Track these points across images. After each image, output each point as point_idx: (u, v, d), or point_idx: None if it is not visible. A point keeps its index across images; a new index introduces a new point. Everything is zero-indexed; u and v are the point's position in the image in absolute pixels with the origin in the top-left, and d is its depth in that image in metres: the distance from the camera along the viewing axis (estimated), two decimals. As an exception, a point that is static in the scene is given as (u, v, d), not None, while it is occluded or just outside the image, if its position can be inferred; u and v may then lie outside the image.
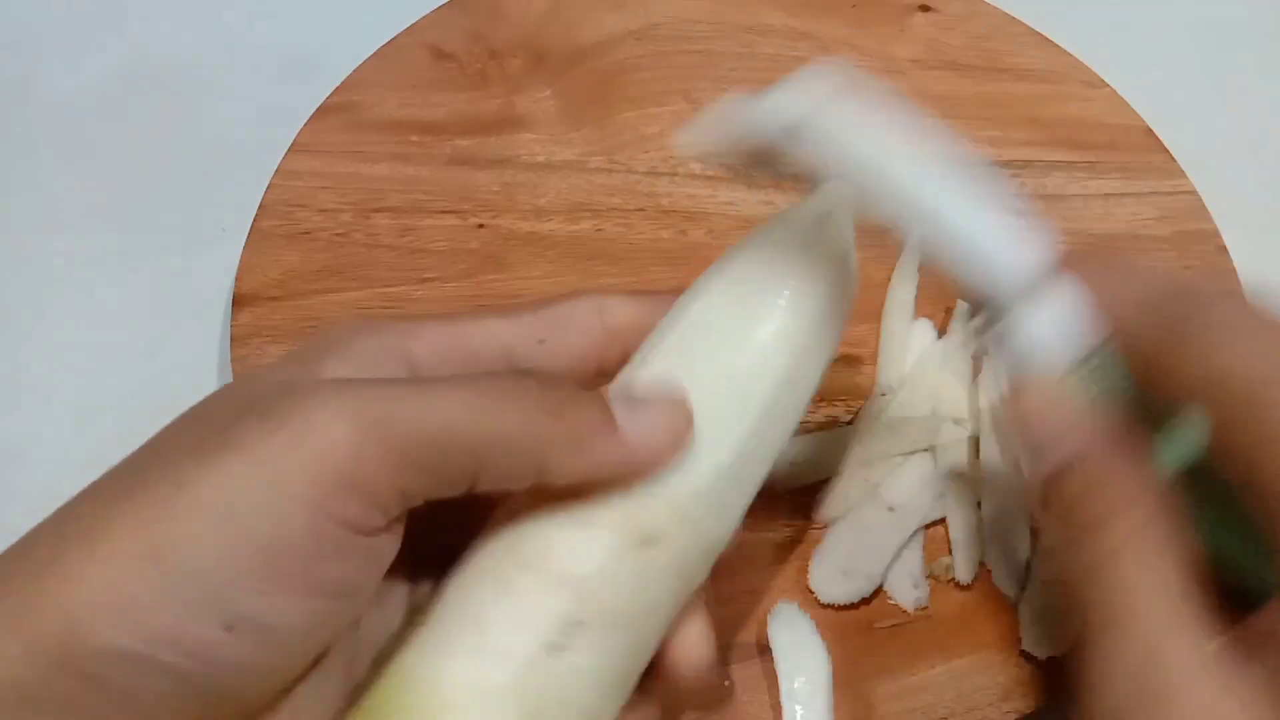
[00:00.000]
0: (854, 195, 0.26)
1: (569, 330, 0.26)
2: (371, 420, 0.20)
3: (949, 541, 0.34)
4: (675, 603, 0.24)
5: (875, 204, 0.25)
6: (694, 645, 0.25)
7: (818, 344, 0.26)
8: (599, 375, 0.26)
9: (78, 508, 0.20)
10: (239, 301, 0.38)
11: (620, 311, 0.26)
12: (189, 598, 0.19)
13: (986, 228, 0.25)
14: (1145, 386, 0.24)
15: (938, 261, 0.25)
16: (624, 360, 0.26)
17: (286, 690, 0.21)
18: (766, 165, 0.27)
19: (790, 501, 0.35)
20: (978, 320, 0.26)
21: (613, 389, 0.24)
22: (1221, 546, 0.24)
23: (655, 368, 0.25)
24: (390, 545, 0.22)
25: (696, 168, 0.42)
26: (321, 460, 0.20)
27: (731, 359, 0.25)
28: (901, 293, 0.39)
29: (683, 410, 0.24)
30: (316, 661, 0.22)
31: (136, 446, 0.22)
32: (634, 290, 0.27)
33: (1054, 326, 0.24)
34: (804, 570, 0.33)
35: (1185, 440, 0.23)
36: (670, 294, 0.27)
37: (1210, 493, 0.23)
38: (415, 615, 0.23)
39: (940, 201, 0.25)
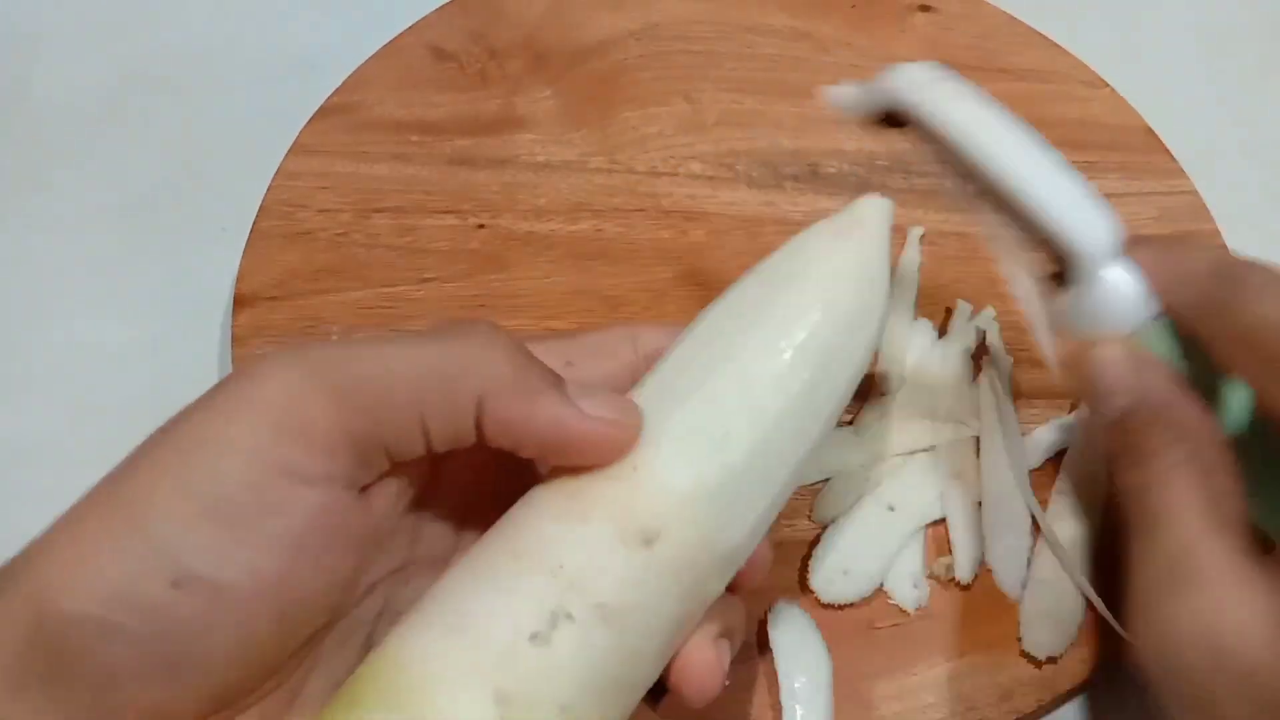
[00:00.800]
0: (889, 207, 0.27)
1: (599, 355, 0.26)
2: (311, 367, 0.21)
3: (949, 541, 0.34)
4: (681, 610, 0.23)
5: (971, 166, 0.29)
6: (697, 666, 0.24)
7: (845, 356, 0.26)
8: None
9: (86, 494, 0.21)
10: (239, 301, 0.38)
11: (653, 339, 0.26)
12: (139, 555, 0.19)
13: (1074, 194, 0.29)
14: (1194, 358, 0.27)
15: (1023, 223, 0.28)
16: None
17: (269, 670, 0.21)
18: (896, 124, 0.30)
19: (790, 501, 0.35)
20: (1054, 278, 0.29)
21: (570, 376, 0.24)
22: (1266, 508, 0.27)
23: (663, 369, 0.25)
24: (346, 507, 0.21)
25: (697, 168, 0.42)
26: (261, 409, 0.20)
27: (749, 364, 0.24)
28: (902, 292, 0.39)
29: (633, 411, 0.23)
30: (308, 644, 0.22)
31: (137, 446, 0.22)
32: (668, 324, 0.27)
33: (1122, 294, 0.28)
34: (804, 570, 0.33)
35: (1232, 406, 0.28)
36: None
37: (1255, 459, 0.27)
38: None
39: (1037, 165, 0.29)
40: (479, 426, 0.22)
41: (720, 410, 0.24)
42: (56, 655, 0.19)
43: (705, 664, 0.24)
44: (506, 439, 0.22)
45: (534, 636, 0.21)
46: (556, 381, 0.23)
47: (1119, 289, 0.28)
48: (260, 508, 0.20)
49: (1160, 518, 0.26)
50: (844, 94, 0.31)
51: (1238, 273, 0.26)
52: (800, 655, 0.31)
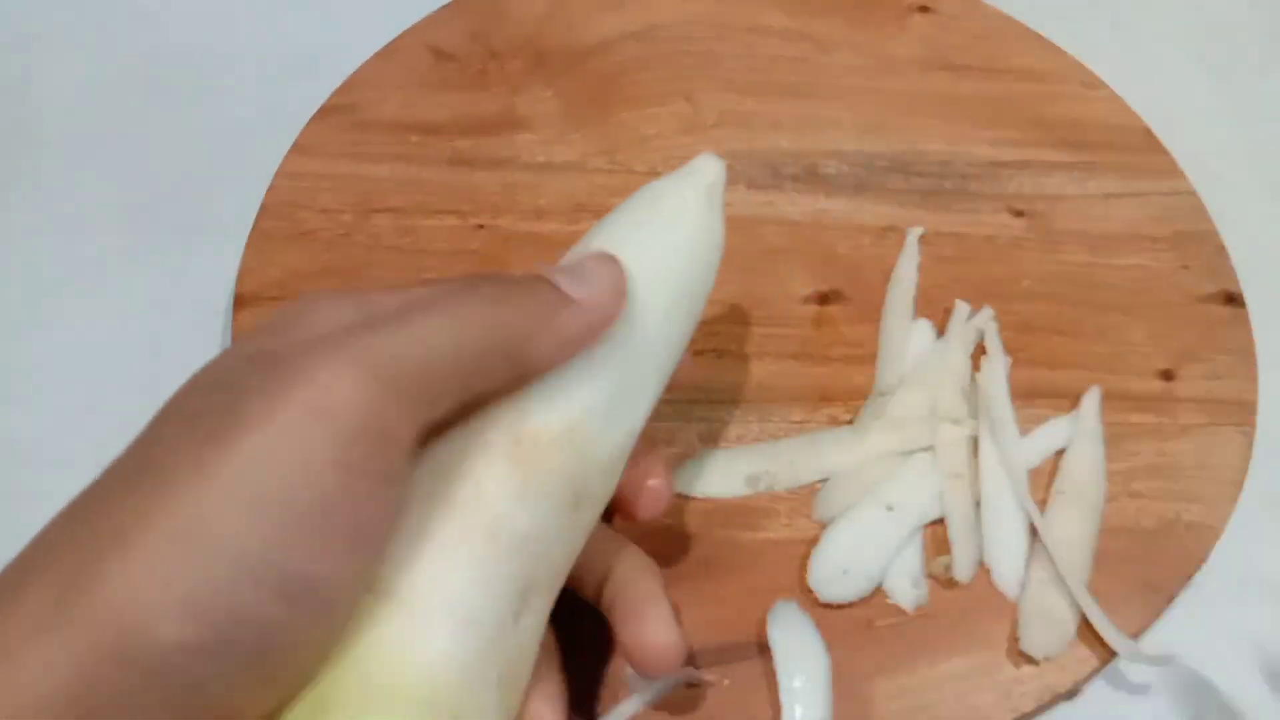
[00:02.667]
0: (721, 167, 0.30)
1: None
2: (371, 368, 0.21)
3: (948, 541, 0.34)
4: (583, 543, 0.26)
5: None
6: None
7: (696, 280, 0.28)
8: None
9: (97, 506, 0.20)
10: (240, 302, 0.38)
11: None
12: (243, 577, 0.19)
13: None
14: None
15: None
16: None
17: None
18: None
19: (790, 501, 0.35)
20: None
21: (548, 271, 0.25)
22: None
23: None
24: (409, 480, 0.22)
25: (696, 168, 0.42)
26: (337, 418, 0.20)
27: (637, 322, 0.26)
28: (901, 293, 0.39)
29: (614, 261, 0.26)
30: None
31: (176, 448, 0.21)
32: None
33: None
34: (804, 570, 0.33)
35: None
36: None
37: None
38: (373, 584, 0.23)
39: None
40: (518, 377, 0.24)
41: (626, 381, 0.26)
42: (151, 678, 0.18)
43: (673, 645, 0.26)
44: (548, 366, 0.24)
45: (516, 611, 0.23)
46: (559, 296, 0.24)
47: None
48: (355, 508, 0.20)
49: None
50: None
51: None
52: (799, 654, 0.31)
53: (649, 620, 0.27)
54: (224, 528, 0.19)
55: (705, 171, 0.29)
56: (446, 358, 0.22)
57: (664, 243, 0.28)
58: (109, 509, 0.20)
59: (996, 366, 0.37)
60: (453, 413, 0.23)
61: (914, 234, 0.40)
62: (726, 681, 0.31)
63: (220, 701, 0.19)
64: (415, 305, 0.23)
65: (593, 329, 0.25)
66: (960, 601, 0.33)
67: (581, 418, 0.25)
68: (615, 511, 0.29)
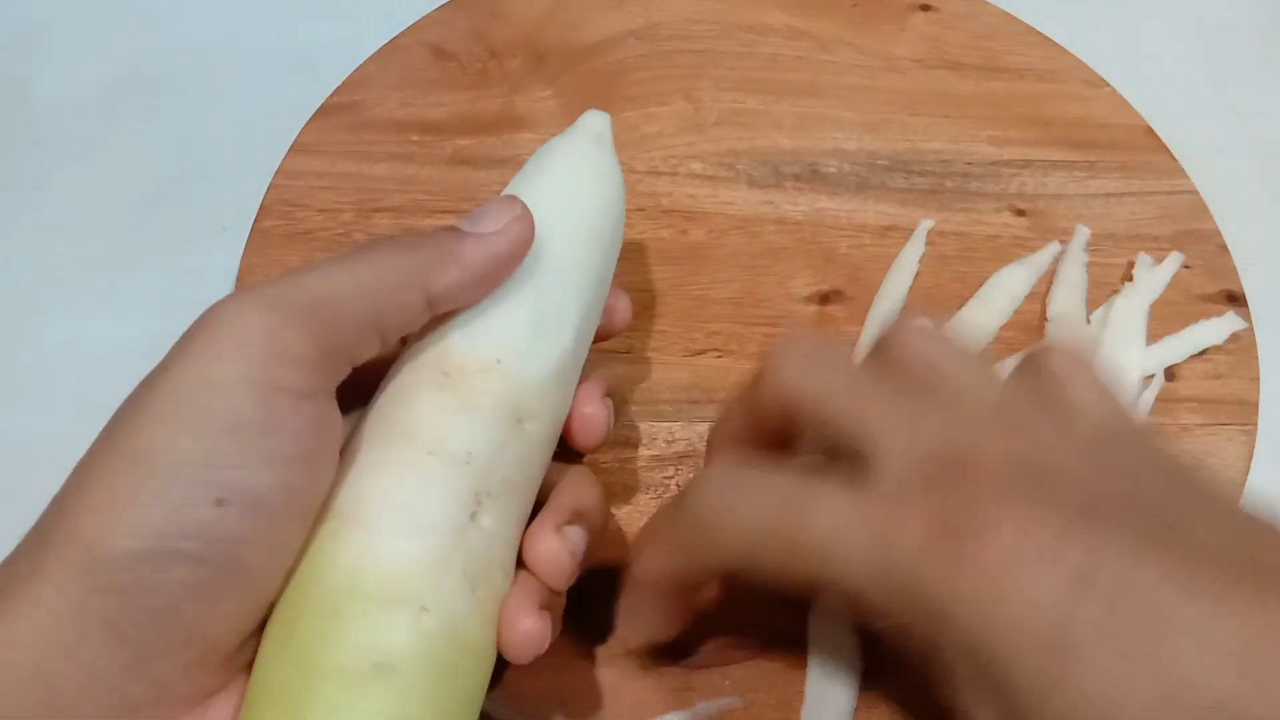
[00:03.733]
0: (607, 119, 0.31)
1: None
2: (270, 300, 0.23)
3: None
4: (545, 463, 0.28)
5: None
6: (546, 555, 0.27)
7: (605, 214, 0.30)
8: None
9: (75, 471, 0.23)
10: (239, 301, 0.38)
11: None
12: (179, 488, 0.21)
13: None
14: None
15: None
16: None
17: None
18: None
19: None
20: None
21: (453, 221, 0.27)
22: None
23: None
24: (332, 413, 0.24)
25: (696, 167, 0.42)
26: (245, 344, 0.23)
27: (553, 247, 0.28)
28: (898, 281, 0.39)
29: (511, 197, 0.27)
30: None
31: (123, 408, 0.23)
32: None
33: None
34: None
35: None
36: None
37: None
38: (326, 515, 0.24)
39: None
40: (429, 308, 0.26)
41: (549, 307, 0.28)
42: (118, 596, 0.21)
43: (550, 551, 0.26)
44: (453, 304, 0.26)
45: (471, 515, 0.24)
46: (457, 233, 0.26)
47: None
48: (271, 425, 0.22)
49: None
50: None
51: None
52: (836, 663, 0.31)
53: (537, 523, 0.27)
54: (158, 449, 0.21)
55: (590, 123, 0.31)
56: (348, 290, 0.24)
57: (558, 181, 0.29)
58: (80, 467, 0.23)
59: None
60: (377, 352, 0.25)
61: (924, 226, 0.40)
62: (727, 681, 0.31)
63: (187, 611, 0.21)
64: (327, 259, 0.25)
65: (498, 258, 0.26)
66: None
67: (503, 343, 0.26)
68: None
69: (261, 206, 0.41)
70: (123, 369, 0.40)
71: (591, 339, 0.30)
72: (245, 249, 0.40)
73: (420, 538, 0.24)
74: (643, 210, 0.41)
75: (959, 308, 0.39)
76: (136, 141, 0.46)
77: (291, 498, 0.23)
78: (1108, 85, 0.45)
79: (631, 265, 0.40)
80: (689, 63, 0.45)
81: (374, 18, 0.47)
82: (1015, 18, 0.47)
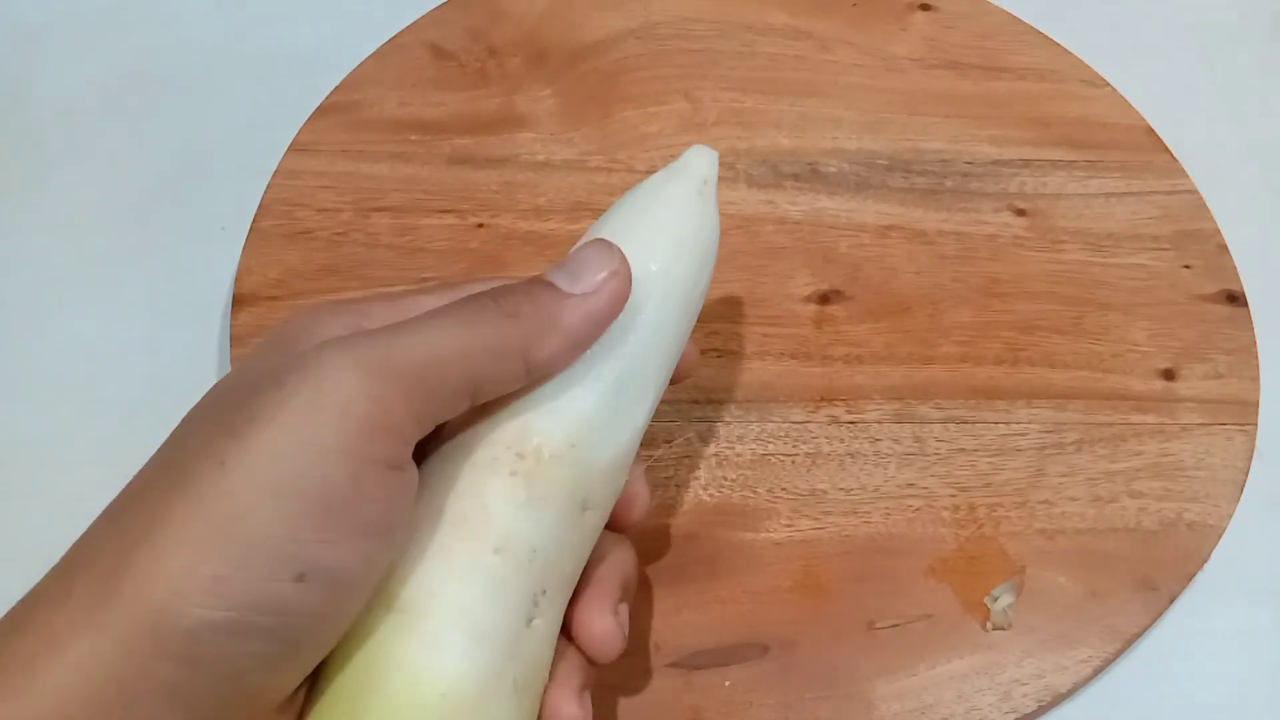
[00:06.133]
0: (714, 159, 0.29)
1: None
2: (374, 364, 0.22)
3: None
4: (593, 546, 0.26)
5: None
6: (600, 635, 0.26)
7: (689, 279, 0.28)
8: None
9: (130, 506, 0.22)
10: (239, 301, 0.38)
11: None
12: (260, 560, 0.20)
13: None
14: None
15: None
16: None
17: None
18: None
19: (790, 501, 0.35)
20: None
21: (546, 272, 0.26)
22: None
23: None
24: (414, 480, 0.23)
25: (696, 167, 0.42)
26: (344, 410, 0.21)
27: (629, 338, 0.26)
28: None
29: (608, 245, 0.26)
30: None
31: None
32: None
33: None
34: (805, 569, 0.33)
35: None
36: None
37: None
38: (380, 596, 0.23)
39: None
40: (527, 376, 0.24)
41: (623, 391, 0.26)
42: (187, 666, 0.20)
43: (607, 632, 0.26)
44: (551, 373, 0.25)
45: (528, 620, 0.24)
46: (557, 294, 0.25)
47: None
48: (361, 498, 0.21)
49: None
50: None
51: None
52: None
53: (590, 601, 0.27)
54: (241, 515, 0.20)
55: (697, 165, 0.29)
56: (450, 357, 0.23)
57: (656, 238, 0.27)
58: (142, 507, 0.21)
59: None
60: (462, 416, 0.24)
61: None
62: (727, 683, 0.31)
63: (249, 681, 0.21)
64: (428, 315, 0.24)
65: (598, 320, 0.25)
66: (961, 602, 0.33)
67: (582, 426, 0.25)
68: None
69: (260, 206, 0.41)
70: (122, 369, 0.40)
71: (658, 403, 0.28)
72: (244, 248, 0.40)
73: (479, 649, 0.23)
74: (642, 210, 0.41)
75: (958, 308, 0.39)
76: (136, 140, 0.45)
77: (369, 571, 0.22)
78: (1108, 85, 0.45)
79: (631, 265, 0.40)
80: (689, 62, 0.45)
81: (373, 17, 0.47)
82: (1015, 17, 0.47)
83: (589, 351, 0.25)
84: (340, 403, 0.21)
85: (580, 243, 0.27)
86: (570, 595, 0.26)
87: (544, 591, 0.24)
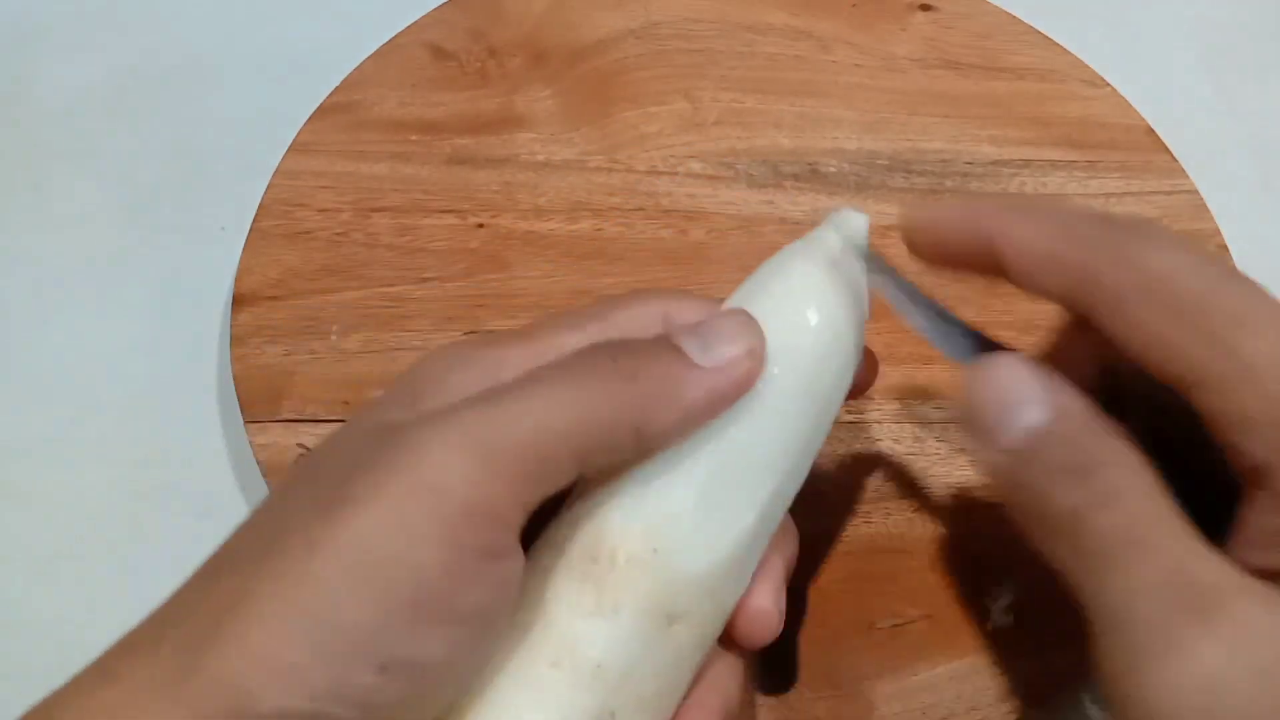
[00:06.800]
0: (865, 227, 0.26)
1: (631, 334, 0.25)
2: (477, 445, 0.20)
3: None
4: (696, 666, 0.24)
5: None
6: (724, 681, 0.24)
7: (832, 379, 0.25)
8: None
9: (217, 577, 0.21)
10: (238, 301, 0.38)
11: (684, 313, 0.25)
12: (344, 651, 0.19)
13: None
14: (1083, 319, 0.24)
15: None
16: None
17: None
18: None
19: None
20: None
21: (677, 333, 0.23)
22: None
23: None
24: (517, 568, 0.22)
25: (696, 167, 0.42)
26: (443, 497, 0.20)
27: (749, 430, 0.24)
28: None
29: (747, 317, 0.23)
30: None
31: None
32: (694, 295, 0.26)
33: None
34: (805, 569, 0.33)
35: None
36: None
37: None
38: (449, 714, 0.22)
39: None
40: (637, 450, 0.23)
41: (729, 481, 0.23)
42: None
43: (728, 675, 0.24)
44: (663, 449, 0.23)
45: None
46: (684, 364, 0.23)
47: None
48: (455, 588, 0.20)
49: (1132, 544, 0.21)
50: None
51: (1127, 224, 0.23)
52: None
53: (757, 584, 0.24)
54: (329, 604, 0.20)
55: (851, 228, 0.26)
56: (561, 436, 0.21)
57: (791, 309, 0.24)
58: (233, 570, 0.21)
59: None
60: (570, 480, 0.23)
61: None
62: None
63: None
64: (538, 375, 0.22)
65: (719, 398, 0.23)
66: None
67: (668, 526, 0.22)
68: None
69: (260, 206, 0.41)
70: (122, 369, 0.40)
71: (787, 508, 0.25)
72: (244, 248, 0.40)
73: None
74: (643, 210, 0.41)
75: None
76: (136, 141, 0.45)
77: (459, 662, 0.21)
78: (1108, 85, 0.45)
79: (631, 265, 0.40)
80: (689, 62, 0.45)
81: (373, 17, 0.47)
82: (1015, 18, 0.47)
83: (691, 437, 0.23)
84: (437, 487, 0.20)
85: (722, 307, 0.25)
86: (664, 715, 0.23)
87: (612, 714, 0.22)
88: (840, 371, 0.25)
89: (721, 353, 0.23)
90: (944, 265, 0.26)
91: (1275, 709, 0.19)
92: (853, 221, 0.26)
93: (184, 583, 0.21)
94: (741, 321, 0.24)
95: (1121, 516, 0.21)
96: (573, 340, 0.24)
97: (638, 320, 0.26)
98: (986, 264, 0.24)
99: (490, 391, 0.22)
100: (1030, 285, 0.24)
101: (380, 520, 0.20)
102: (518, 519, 0.21)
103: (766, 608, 0.25)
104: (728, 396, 0.23)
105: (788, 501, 0.25)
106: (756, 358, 0.23)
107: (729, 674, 0.25)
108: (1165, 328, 0.22)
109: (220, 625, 0.20)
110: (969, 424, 0.24)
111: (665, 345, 0.23)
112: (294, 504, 0.21)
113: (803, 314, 0.24)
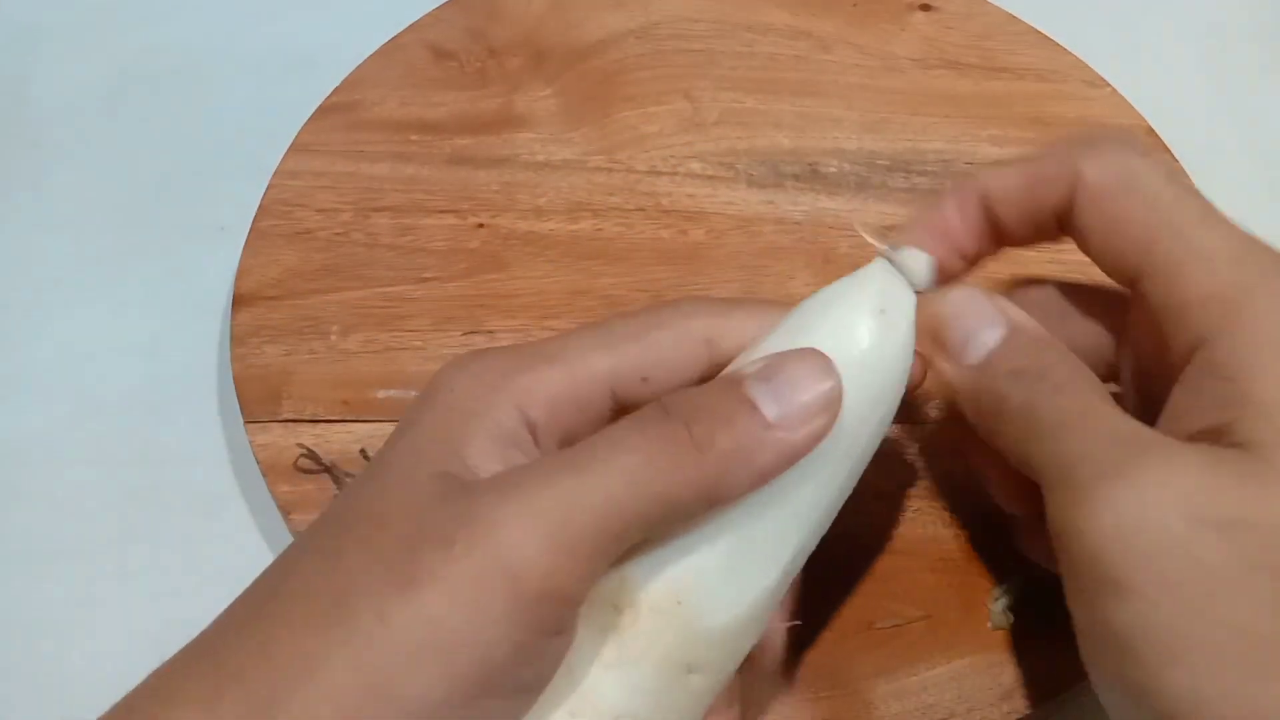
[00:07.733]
0: (927, 268, 0.25)
1: (675, 368, 0.25)
2: (553, 528, 0.20)
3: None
4: (707, 706, 0.24)
5: None
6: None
7: (867, 434, 0.24)
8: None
9: (273, 632, 0.21)
10: (238, 301, 0.38)
11: (728, 338, 0.25)
12: None
13: None
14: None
15: None
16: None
17: None
18: None
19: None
20: None
21: (748, 384, 0.22)
22: None
23: None
24: (574, 634, 0.22)
25: (696, 167, 0.42)
26: (518, 584, 0.20)
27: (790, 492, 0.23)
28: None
29: (830, 369, 0.23)
30: None
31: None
32: (727, 300, 0.26)
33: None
34: (806, 569, 0.33)
35: None
36: (764, 302, 0.26)
37: None
38: None
39: None
40: (703, 512, 0.22)
41: (761, 533, 0.23)
42: None
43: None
44: (734, 502, 0.22)
45: None
46: (757, 423, 0.22)
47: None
48: (521, 665, 0.21)
49: (1079, 413, 0.23)
50: None
51: (1115, 133, 0.26)
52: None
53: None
54: (396, 679, 0.20)
55: (906, 263, 0.25)
56: (636, 516, 0.21)
57: (842, 360, 0.23)
58: (291, 636, 0.20)
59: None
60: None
61: None
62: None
63: None
64: (612, 438, 0.22)
65: (790, 458, 0.22)
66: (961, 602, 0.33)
67: (694, 582, 0.22)
68: None
69: (260, 206, 0.41)
70: (121, 369, 0.40)
71: (809, 554, 0.24)
72: (244, 248, 0.40)
73: None
74: (643, 210, 0.41)
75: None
76: (136, 140, 0.46)
77: None
78: (1108, 85, 0.45)
79: (631, 265, 0.40)
80: (688, 62, 0.45)
81: (373, 17, 0.47)
82: (1015, 18, 0.47)
83: None
84: (512, 572, 0.20)
85: (772, 338, 0.24)
86: None
87: None
88: (881, 423, 0.25)
89: (798, 406, 0.22)
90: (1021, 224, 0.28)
91: (1178, 545, 0.21)
92: (915, 262, 0.25)
93: (226, 620, 0.21)
94: (817, 365, 0.22)
95: (1068, 399, 0.24)
96: (605, 364, 0.24)
97: (680, 346, 0.25)
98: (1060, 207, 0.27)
99: (563, 461, 0.21)
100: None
101: (455, 601, 0.20)
102: (583, 596, 0.21)
103: (774, 646, 0.26)
104: (798, 455, 0.22)
105: (810, 550, 0.24)
106: (833, 411, 0.22)
107: (729, 694, 0.25)
108: (1139, 217, 0.26)
109: (290, 692, 0.19)
110: (935, 346, 0.27)
111: (738, 401, 0.22)
112: (357, 563, 0.21)
113: (856, 375, 0.23)
